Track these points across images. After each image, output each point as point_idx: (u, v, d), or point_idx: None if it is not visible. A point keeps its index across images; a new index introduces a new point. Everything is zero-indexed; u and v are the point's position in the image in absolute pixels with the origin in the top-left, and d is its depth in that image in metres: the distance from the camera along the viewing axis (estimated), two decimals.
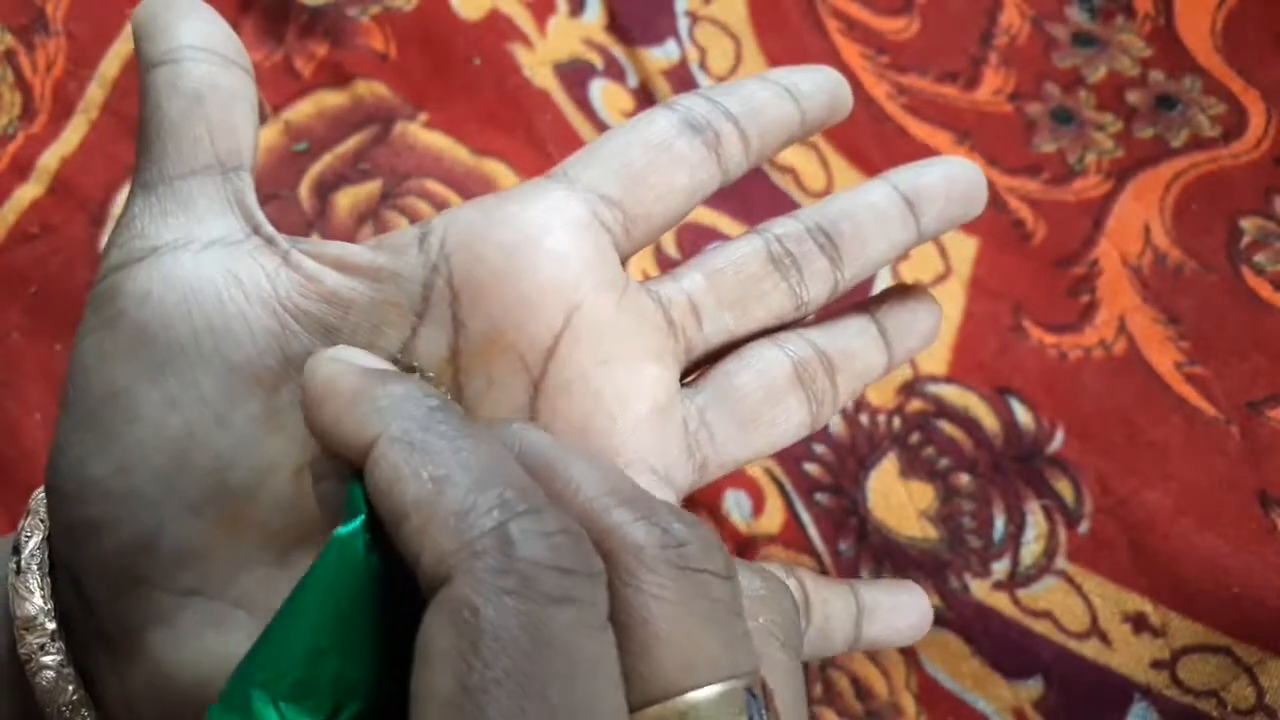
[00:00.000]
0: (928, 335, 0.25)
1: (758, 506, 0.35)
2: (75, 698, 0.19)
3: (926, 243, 0.39)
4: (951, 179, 0.24)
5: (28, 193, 0.37)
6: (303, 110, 0.40)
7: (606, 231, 0.21)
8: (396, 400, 0.16)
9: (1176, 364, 0.37)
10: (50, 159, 0.38)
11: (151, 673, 0.18)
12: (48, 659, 0.19)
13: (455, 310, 0.20)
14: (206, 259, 0.19)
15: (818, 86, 0.23)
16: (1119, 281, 0.39)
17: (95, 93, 0.39)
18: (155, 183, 0.19)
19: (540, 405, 0.20)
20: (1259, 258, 0.39)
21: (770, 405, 0.22)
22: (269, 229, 0.20)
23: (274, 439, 0.19)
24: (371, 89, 0.40)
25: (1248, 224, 0.40)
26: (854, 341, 0.24)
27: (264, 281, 0.19)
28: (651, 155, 0.21)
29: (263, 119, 0.39)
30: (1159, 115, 0.42)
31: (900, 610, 0.24)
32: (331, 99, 0.40)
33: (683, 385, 0.23)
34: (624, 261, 0.22)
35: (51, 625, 0.19)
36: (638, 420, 0.20)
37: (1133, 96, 0.42)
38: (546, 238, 0.20)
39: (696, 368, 0.23)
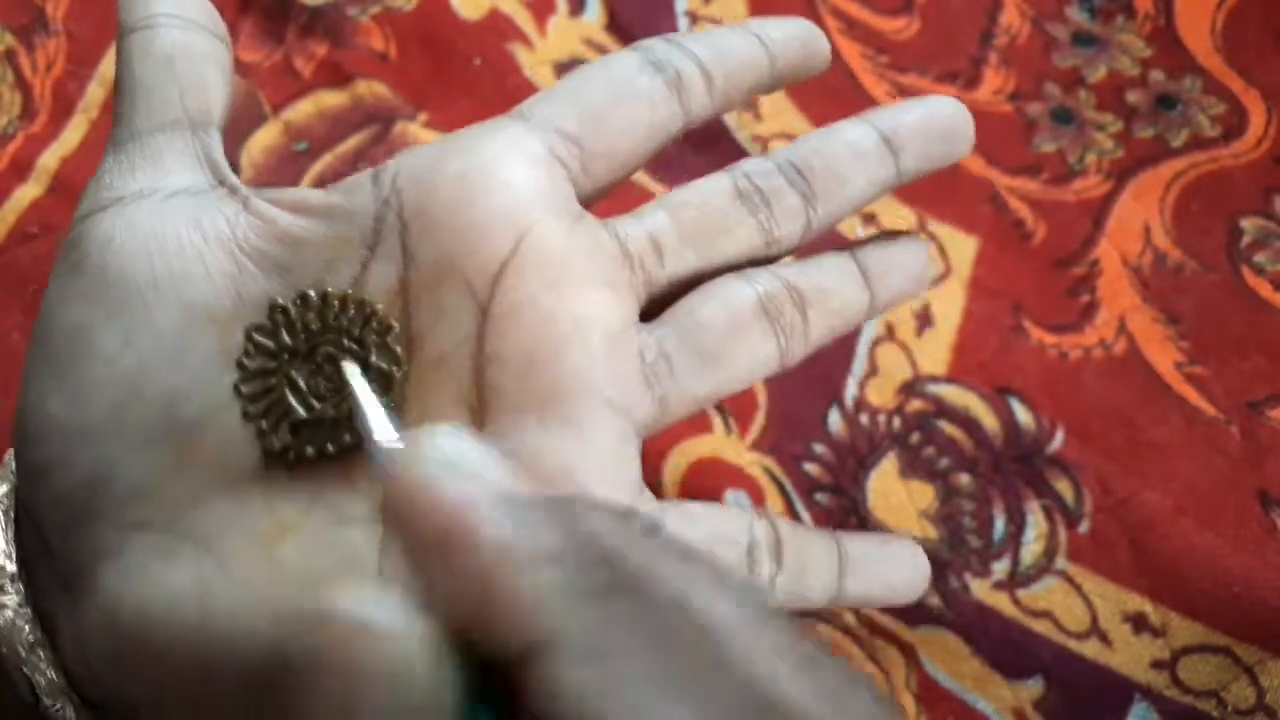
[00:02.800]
0: (914, 275, 0.24)
1: (757, 505, 0.35)
2: (32, 638, 0.19)
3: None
4: (932, 115, 0.23)
5: (28, 193, 0.37)
6: (303, 110, 0.40)
7: (562, 166, 0.21)
8: (560, 583, 0.12)
9: (1177, 364, 0.37)
10: (50, 159, 0.38)
11: (101, 608, 0.18)
12: (6, 599, 0.19)
13: (405, 242, 0.20)
14: (170, 206, 0.19)
15: (789, 34, 0.23)
16: (1119, 281, 0.39)
17: (96, 92, 0.39)
18: (126, 140, 0.20)
19: (488, 331, 0.20)
20: (1259, 258, 0.39)
21: (734, 338, 0.21)
22: (234, 180, 0.20)
23: (226, 376, 0.19)
24: (371, 89, 0.40)
25: (1248, 224, 0.40)
26: (829, 278, 0.23)
27: (223, 225, 0.19)
28: (611, 92, 0.21)
29: (263, 119, 0.39)
30: (1159, 115, 0.42)
31: (892, 563, 0.23)
32: (331, 99, 0.40)
33: (646, 323, 0.22)
34: (586, 203, 0.21)
35: (12, 568, 0.19)
36: (588, 347, 0.20)
37: (1133, 96, 0.42)
38: (499, 167, 0.20)
39: (663, 307, 0.22)
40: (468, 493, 0.12)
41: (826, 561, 0.23)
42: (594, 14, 0.43)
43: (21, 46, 0.39)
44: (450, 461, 0.13)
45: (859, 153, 0.22)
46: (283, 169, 0.39)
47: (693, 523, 0.21)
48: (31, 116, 0.38)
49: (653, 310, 0.22)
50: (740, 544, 0.21)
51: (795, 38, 0.23)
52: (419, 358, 0.20)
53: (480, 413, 0.19)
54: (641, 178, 0.38)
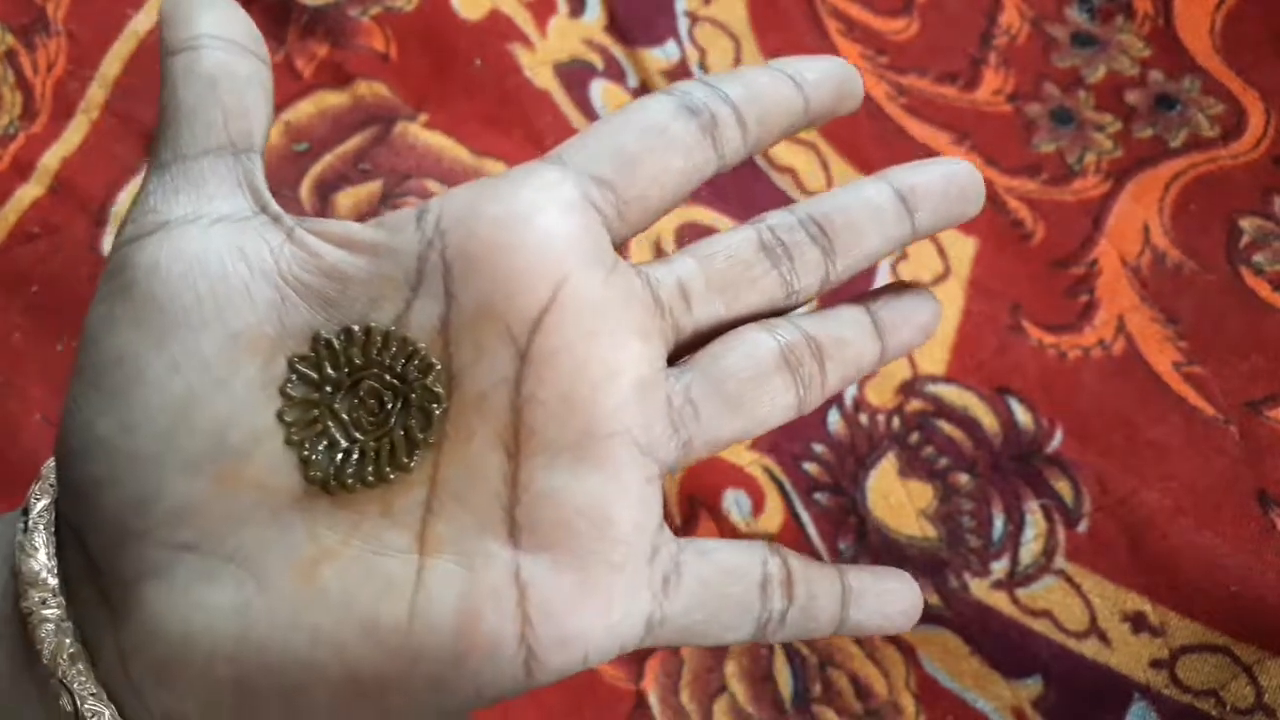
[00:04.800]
0: (924, 328, 0.25)
1: (757, 506, 0.35)
2: (73, 651, 0.19)
3: (923, 240, 0.39)
4: (948, 178, 0.24)
5: (29, 193, 0.37)
6: (304, 110, 0.40)
7: (598, 212, 0.21)
8: None
9: (1175, 364, 0.37)
10: (51, 159, 0.38)
11: (145, 625, 0.19)
12: (48, 612, 0.19)
13: (447, 283, 0.20)
14: (214, 233, 0.20)
15: (824, 74, 0.24)
16: (1118, 281, 0.39)
17: (96, 93, 0.39)
18: (170, 162, 0.20)
19: (526, 375, 0.20)
20: (1258, 258, 0.39)
21: (756, 386, 0.22)
22: (275, 208, 0.21)
23: (270, 404, 0.20)
24: (372, 89, 0.40)
25: (1246, 224, 0.40)
26: (846, 330, 0.24)
27: (267, 255, 0.20)
28: (646, 139, 0.22)
29: None
30: (1158, 115, 0.42)
31: (889, 596, 0.24)
32: (332, 99, 0.40)
33: (671, 367, 0.23)
34: (619, 244, 0.22)
35: (54, 581, 0.20)
36: (620, 392, 0.21)
37: (1132, 97, 0.42)
38: (537, 215, 0.21)
39: (687, 351, 0.23)
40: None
41: (831, 595, 0.23)
42: (594, 14, 0.43)
43: (22, 47, 0.39)
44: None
45: (877, 210, 0.23)
46: (284, 169, 0.39)
47: (707, 557, 0.22)
48: (32, 117, 0.38)
49: (676, 353, 0.23)
50: (753, 578, 0.22)
51: (830, 77, 0.24)
52: (459, 396, 0.20)
53: (516, 452, 0.20)
54: None
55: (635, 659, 0.34)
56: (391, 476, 0.20)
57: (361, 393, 0.21)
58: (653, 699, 0.33)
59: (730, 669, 0.34)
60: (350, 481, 0.20)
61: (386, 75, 0.40)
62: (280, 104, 0.40)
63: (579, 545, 0.20)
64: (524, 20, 0.42)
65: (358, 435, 0.20)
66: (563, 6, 0.42)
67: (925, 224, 0.24)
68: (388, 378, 0.20)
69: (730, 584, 0.21)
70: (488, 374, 0.20)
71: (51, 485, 0.21)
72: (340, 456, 0.20)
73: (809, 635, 0.23)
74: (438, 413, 0.20)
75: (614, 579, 0.20)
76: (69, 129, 0.39)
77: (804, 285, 0.23)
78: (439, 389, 0.20)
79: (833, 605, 0.23)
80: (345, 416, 0.20)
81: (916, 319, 0.24)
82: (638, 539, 0.20)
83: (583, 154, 0.22)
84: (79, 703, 0.19)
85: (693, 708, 0.33)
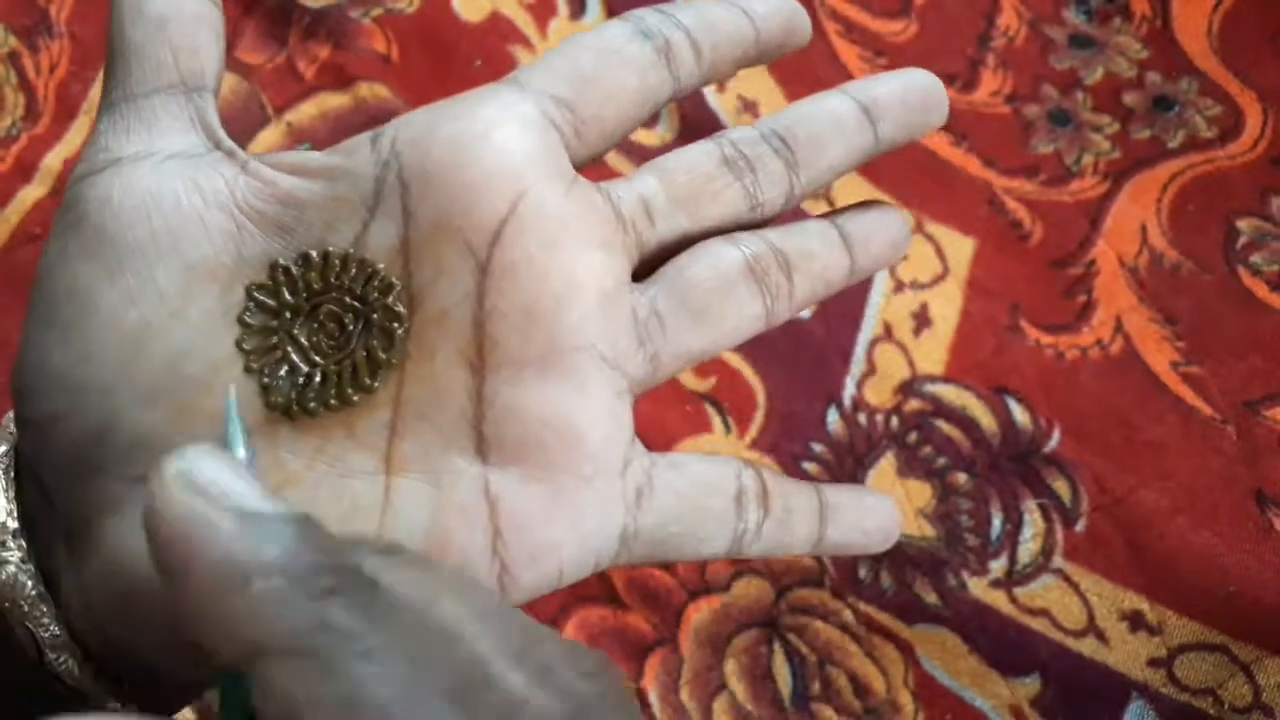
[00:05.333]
0: (894, 243, 0.24)
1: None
2: (34, 593, 0.19)
3: (922, 241, 0.39)
4: (908, 86, 0.24)
5: (31, 194, 0.37)
6: (305, 112, 0.40)
7: (556, 130, 0.21)
8: (279, 590, 0.13)
9: (1173, 364, 0.37)
10: (54, 160, 0.38)
11: (105, 560, 0.19)
12: (8, 554, 0.19)
13: (405, 202, 0.20)
14: (167, 169, 0.20)
15: (772, 9, 0.24)
16: (1116, 282, 0.39)
17: (99, 95, 0.39)
18: (119, 102, 0.20)
19: (487, 288, 0.20)
20: (1255, 258, 0.39)
21: (722, 296, 0.22)
22: (230, 144, 0.21)
23: (228, 333, 0.20)
24: (373, 91, 0.40)
25: (1244, 224, 0.40)
26: (812, 242, 0.23)
27: (222, 187, 0.20)
28: (602, 59, 0.22)
29: (265, 121, 0.39)
30: (1156, 117, 0.42)
31: (867, 512, 0.23)
32: (334, 101, 0.40)
33: (637, 283, 0.23)
34: (577, 167, 0.22)
35: (14, 524, 0.20)
36: (583, 305, 0.21)
37: (1130, 98, 0.42)
38: (495, 131, 0.21)
39: (653, 268, 0.23)
40: (197, 511, 0.14)
41: (809, 509, 0.23)
42: (594, 16, 0.43)
43: (25, 48, 0.39)
44: (189, 480, 0.14)
45: (839, 120, 0.23)
46: None
47: (681, 471, 0.21)
48: (35, 118, 0.39)
49: (641, 272, 0.23)
50: (728, 491, 0.22)
51: (778, 11, 0.24)
52: (420, 314, 0.20)
53: (480, 366, 0.20)
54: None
55: (635, 657, 0.34)
56: (354, 398, 0.20)
57: (321, 317, 0.20)
58: (653, 697, 0.33)
59: (730, 667, 0.34)
60: (312, 405, 0.20)
61: (388, 77, 0.41)
62: (282, 106, 0.40)
63: (547, 458, 0.19)
64: (524, 22, 0.42)
65: (318, 359, 0.20)
66: (563, 8, 0.43)
67: (887, 134, 0.23)
68: (348, 300, 0.20)
69: (705, 496, 0.21)
70: (449, 290, 0.20)
71: (10, 433, 0.21)
72: (301, 381, 0.20)
73: (786, 550, 0.23)
74: (400, 332, 0.20)
75: (584, 491, 0.20)
76: (71, 130, 0.39)
77: (768, 198, 0.23)
78: (400, 308, 0.20)
79: (810, 520, 0.23)
80: (305, 341, 0.20)
81: (885, 234, 0.24)
82: (608, 451, 0.20)
83: (540, 74, 0.22)
84: (44, 648, 0.19)
85: (693, 706, 0.33)
